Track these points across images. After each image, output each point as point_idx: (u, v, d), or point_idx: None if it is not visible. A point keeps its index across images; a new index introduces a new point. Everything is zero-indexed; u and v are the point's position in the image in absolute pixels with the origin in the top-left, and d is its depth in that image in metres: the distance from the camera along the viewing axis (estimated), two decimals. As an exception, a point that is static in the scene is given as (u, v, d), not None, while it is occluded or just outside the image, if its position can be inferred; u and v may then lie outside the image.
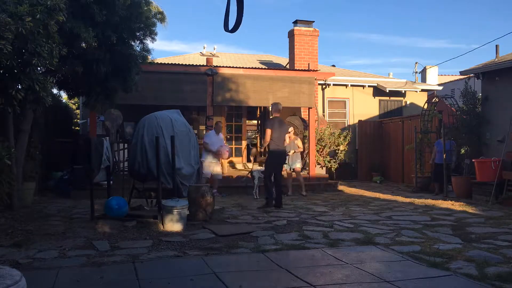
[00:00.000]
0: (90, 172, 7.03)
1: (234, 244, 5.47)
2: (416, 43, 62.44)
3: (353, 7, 66.39)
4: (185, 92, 11.32)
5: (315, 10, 67.55)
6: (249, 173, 10.77)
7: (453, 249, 5.21)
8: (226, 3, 3.87)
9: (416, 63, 19.75)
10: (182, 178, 7.44)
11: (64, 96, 21.43)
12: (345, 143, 13.52)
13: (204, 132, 12.59)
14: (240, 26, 3.66)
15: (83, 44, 6.56)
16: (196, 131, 12.79)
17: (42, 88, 5.30)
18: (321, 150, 13.30)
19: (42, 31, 5.06)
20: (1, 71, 5.35)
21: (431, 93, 16.99)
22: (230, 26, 3.84)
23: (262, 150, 15.52)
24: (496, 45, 11.94)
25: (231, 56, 18.86)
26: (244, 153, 15.35)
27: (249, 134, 16.28)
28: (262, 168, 9.72)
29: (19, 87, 5.32)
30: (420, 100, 15.77)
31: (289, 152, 10.47)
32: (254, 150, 14.86)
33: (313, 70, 12.70)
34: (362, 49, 66.57)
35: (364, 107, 16.18)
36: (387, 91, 15.95)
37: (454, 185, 10.58)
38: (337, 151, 13.55)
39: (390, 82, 17.02)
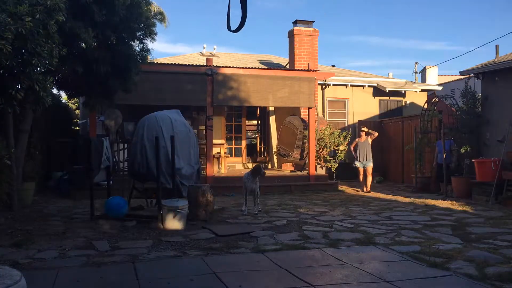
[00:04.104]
0: (90, 172, 7.03)
1: (234, 244, 5.47)
2: (416, 46, 62.42)
3: (353, 10, 66.38)
4: (185, 92, 11.31)
5: (315, 13, 67.59)
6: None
7: (453, 249, 5.21)
8: (227, 4, 3.88)
9: (416, 63, 19.76)
10: (182, 178, 7.44)
11: (64, 96, 21.41)
12: (345, 143, 13.52)
13: (204, 132, 12.60)
14: (244, 26, 3.67)
15: (83, 44, 6.56)
16: (196, 131, 12.79)
17: (42, 88, 5.30)
18: (321, 150, 13.30)
19: (42, 31, 5.06)
20: (1, 71, 5.35)
21: (431, 93, 16.99)
22: (234, 27, 3.85)
23: (262, 149, 15.55)
24: (496, 45, 11.93)
25: (231, 56, 18.86)
26: (244, 153, 15.36)
27: (249, 134, 16.28)
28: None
29: (19, 87, 5.33)
30: (420, 100, 15.77)
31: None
32: None
33: (313, 70, 12.70)
34: (362, 51, 66.56)
35: (364, 107, 16.18)
36: (387, 91, 15.95)
37: (454, 185, 10.58)
38: (337, 151, 13.55)
39: (390, 82, 17.03)
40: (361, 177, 12.13)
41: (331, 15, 64.88)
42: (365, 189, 11.83)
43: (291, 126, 13.43)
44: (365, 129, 12.31)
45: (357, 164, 12.10)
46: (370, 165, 11.97)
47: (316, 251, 5.20)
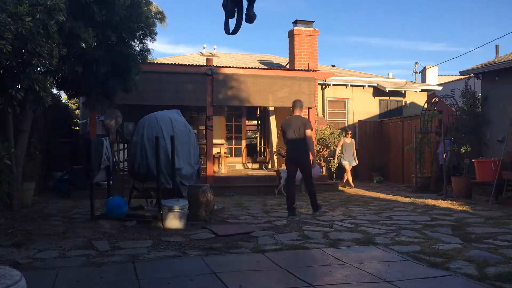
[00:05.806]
0: (90, 172, 7.03)
1: (234, 244, 5.47)
2: (416, 46, 62.48)
3: (354, 11, 66.41)
4: (185, 92, 11.32)
5: (315, 14, 67.55)
6: (276, 172, 11.37)
7: (453, 249, 5.21)
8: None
9: (416, 63, 19.76)
10: (182, 178, 7.44)
11: (64, 96, 21.45)
12: (345, 143, 13.54)
13: (204, 132, 12.60)
14: (241, 28, 3.67)
15: (83, 44, 6.56)
16: (196, 131, 12.79)
17: (42, 88, 5.30)
18: (321, 150, 13.30)
19: (42, 31, 5.05)
20: (1, 71, 5.35)
21: (431, 93, 16.98)
22: (231, 29, 3.85)
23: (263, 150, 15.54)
24: (496, 45, 11.95)
25: (231, 56, 18.86)
26: (244, 153, 15.35)
27: (249, 134, 16.28)
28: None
29: (19, 87, 5.32)
30: (420, 100, 15.78)
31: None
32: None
33: (313, 70, 12.70)
34: (362, 52, 66.66)
35: (364, 107, 16.18)
36: (387, 91, 15.96)
37: (454, 185, 10.58)
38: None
39: (390, 82, 17.03)
40: (348, 174, 13.08)
41: (331, 15, 64.85)
42: (351, 185, 12.97)
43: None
44: (350, 133, 13.58)
45: (344, 163, 13.05)
46: (353, 164, 13.15)
47: (316, 251, 5.20)
